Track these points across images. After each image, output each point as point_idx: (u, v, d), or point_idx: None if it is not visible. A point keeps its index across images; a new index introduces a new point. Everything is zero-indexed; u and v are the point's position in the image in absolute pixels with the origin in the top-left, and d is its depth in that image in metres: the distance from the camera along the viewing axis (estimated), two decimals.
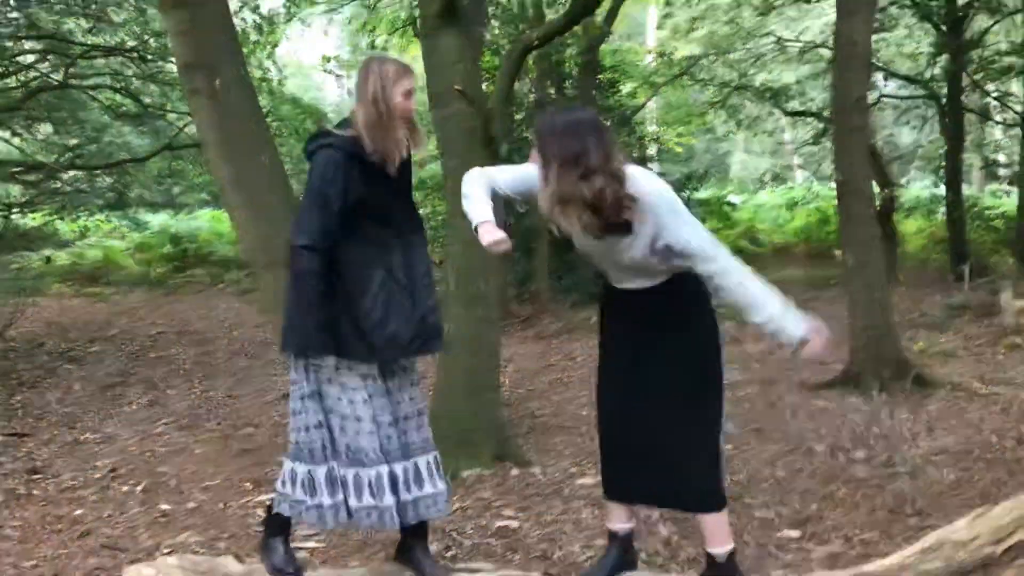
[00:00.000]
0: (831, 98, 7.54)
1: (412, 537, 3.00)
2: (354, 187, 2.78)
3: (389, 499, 2.85)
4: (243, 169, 4.67)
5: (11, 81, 11.14)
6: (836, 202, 7.67)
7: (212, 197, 18.87)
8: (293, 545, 3.89)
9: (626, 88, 14.67)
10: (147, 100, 12.69)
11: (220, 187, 4.92)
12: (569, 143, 2.58)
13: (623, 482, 2.98)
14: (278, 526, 3.04)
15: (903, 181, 17.17)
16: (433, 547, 4.01)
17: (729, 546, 2.82)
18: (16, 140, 12.04)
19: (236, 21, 9.59)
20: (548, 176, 2.61)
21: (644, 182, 2.65)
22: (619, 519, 3.03)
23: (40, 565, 3.96)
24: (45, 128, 12.65)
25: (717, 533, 2.82)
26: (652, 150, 15.91)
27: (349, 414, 2.85)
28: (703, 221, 12.06)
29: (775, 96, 14.23)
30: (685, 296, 2.82)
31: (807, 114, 14.56)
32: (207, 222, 16.84)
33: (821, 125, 13.98)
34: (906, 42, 14.90)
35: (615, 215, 2.59)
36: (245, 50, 11.27)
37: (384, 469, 2.86)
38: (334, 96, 26.20)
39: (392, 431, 2.89)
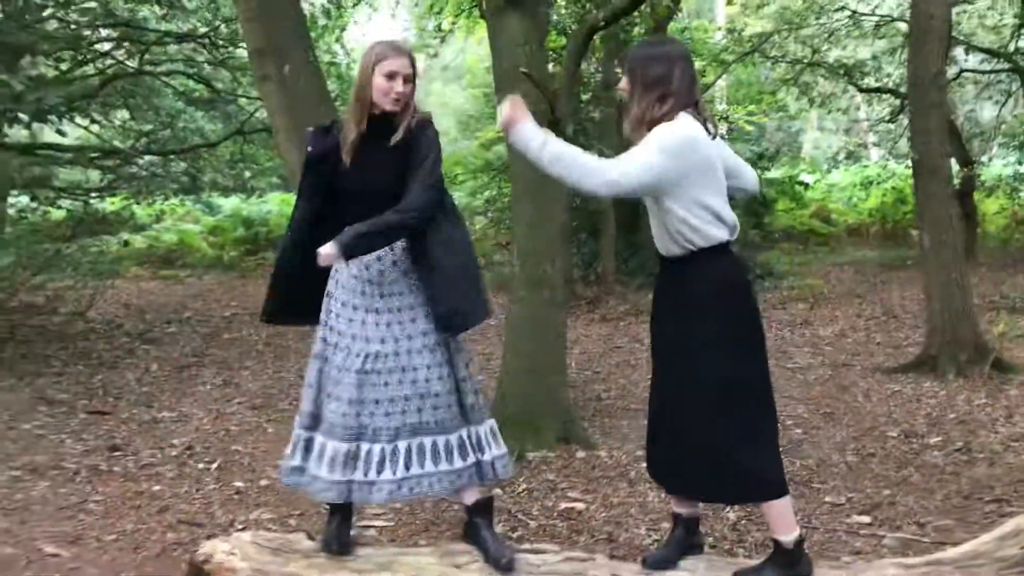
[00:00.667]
0: (907, 74, 7.32)
1: (477, 516, 3.02)
2: (315, 164, 2.92)
3: (316, 468, 2.93)
4: None
5: (88, 69, 11.45)
6: (912, 181, 7.46)
7: (282, 181, 19.21)
8: (363, 523, 3.98)
9: (695, 66, 14.44)
10: (219, 85, 12.95)
11: (290, 171, 5.00)
12: (655, 67, 2.73)
13: (661, 472, 2.95)
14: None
15: (985, 158, 16.58)
16: (499, 528, 4.05)
17: (794, 533, 2.77)
18: (94, 127, 12.40)
19: (304, 5, 9.71)
20: (633, 99, 2.76)
21: (678, 122, 2.68)
22: (683, 502, 3.00)
23: (121, 539, 4.09)
24: (121, 114, 12.99)
25: (780, 520, 2.77)
26: (722, 129, 15.66)
27: (306, 380, 3.03)
28: (775, 201, 11.77)
29: (849, 72, 13.87)
30: (710, 279, 2.75)
31: (883, 91, 14.17)
32: (277, 206, 17.13)
33: (898, 102, 13.59)
34: (988, 14, 14.37)
35: None
36: (313, 34, 11.40)
37: (315, 437, 2.95)
38: None
39: (349, 409, 2.89)
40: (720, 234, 2.77)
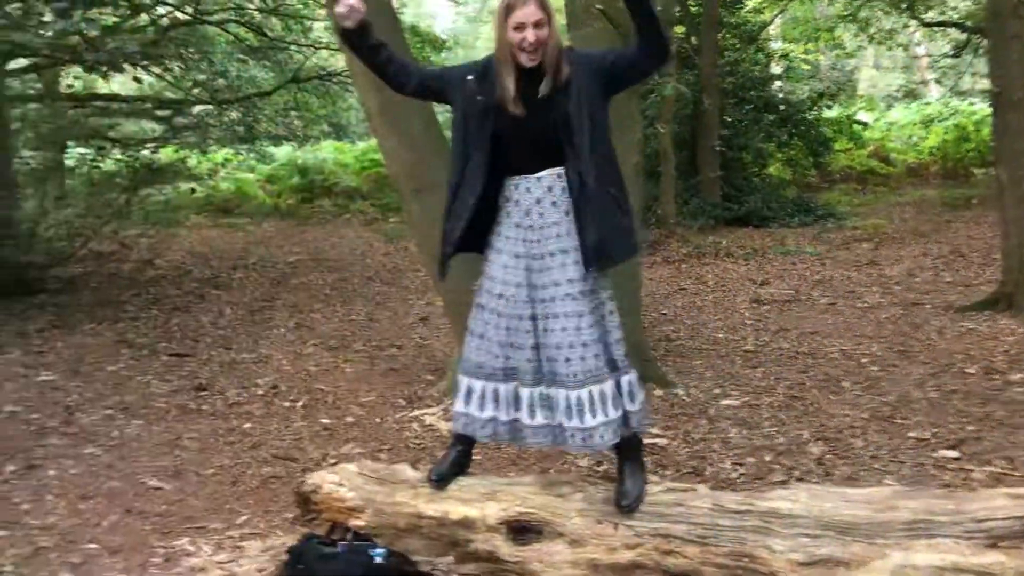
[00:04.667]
0: (986, 4, 7.09)
1: (621, 454, 3.03)
2: (458, 92, 2.93)
3: (473, 409, 3.02)
4: (391, 98, 4.73)
5: (142, 19, 11.49)
6: (975, 118, 7.27)
7: (334, 128, 19.28)
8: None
9: (751, 3, 14.16)
10: (270, 33, 12.97)
11: (368, 116, 5.02)
12: None
13: None
14: (454, 436, 3.18)
15: None
16: (584, 462, 4.13)
17: None
18: (150, 78, 12.49)
19: None
20: None
21: None
22: None
23: (219, 473, 4.24)
24: (176, 65, 13.07)
25: None
26: (778, 68, 15.35)
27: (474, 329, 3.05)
28: (832, 141, 11.52)
29: (911, 6, 13.48)
30: None
31: (947, 24, 13.76)
32: (331, 153, 17.19)
33: (963, 36, 13.20)
34: None
35: None
36: None
37: (477, 383, 3.01)
38: (447, 23, 26.18)
39: (510, 352, 2.97)
40: None
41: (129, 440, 4.72)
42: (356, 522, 3.12)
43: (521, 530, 2.96)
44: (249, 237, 12.65)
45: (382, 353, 6.32)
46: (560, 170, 2.88)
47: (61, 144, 11.12)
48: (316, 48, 13.64)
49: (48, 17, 7.22)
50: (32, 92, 10.83)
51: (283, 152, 17.81)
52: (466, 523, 3.00)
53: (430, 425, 4.75)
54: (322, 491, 3.20)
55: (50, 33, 6.93)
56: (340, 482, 3.18)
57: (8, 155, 9.20)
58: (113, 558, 3.42)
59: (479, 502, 3.03)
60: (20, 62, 9.79)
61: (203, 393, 5.50)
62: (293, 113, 16.16)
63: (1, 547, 3.51)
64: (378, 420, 4.88)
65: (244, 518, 3.74)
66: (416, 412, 4.97)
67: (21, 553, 3.49)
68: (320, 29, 13.74)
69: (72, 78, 11.73)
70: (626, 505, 2.91)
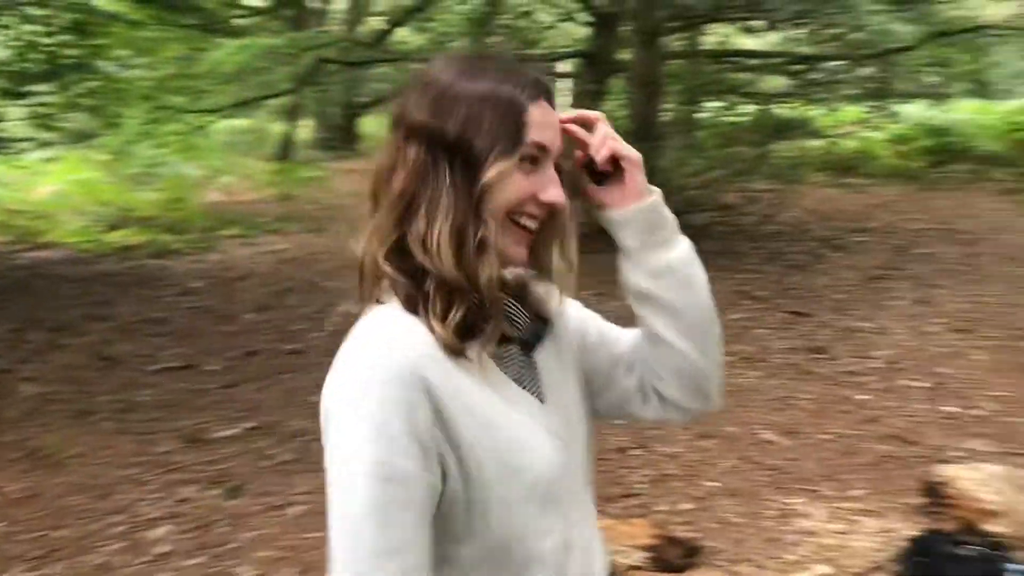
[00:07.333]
0: None
1: None
2: None
3: None
4: None
5: None
6: None
7: (977, 86, 17.51)
8: None
9: None
10: None
11: None
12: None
13: None
14: None
15: None
16: None
17: None
18: (785, 33, 12.58)
19: None
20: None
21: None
22: None
23: (833, 440, 4.23)
24: (815, 20, 12.97)
25: None
26: None
27: None
28: None
29: None
30: None
31: None
32: (969, 114, 15.70)
33: None
34: None
35: None
36: None
37: None
38: None
39: None
40: None
41: (747, 389, 4.93)
42: (990, 527, 2.86)
43: None
44: (870, 199, 12.22)
45: (1017, 344, 5.65)
46: None
47: (698, 98, 11.85)
48: None
49: None
50: (679, 49, 11.65)
51: (914, 111, 16.76)
52: None
53: None
54: (955, 486, 3.00)
55: None
56: (979, 481, 2.93)
57: (656, 109, 10.09)
58: (730, 500, 3.63)
59: None
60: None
61: (818, 356, 5.50)
62: (932, 69, 15.08)
63: (636, 466, 3.95)
64: (1012, 419, 4.40)
65: (858, 492, 3.68)
66: None
67: (649, 475, 3.89)
68: None
69: (719, 35, 12.39)
70: None
